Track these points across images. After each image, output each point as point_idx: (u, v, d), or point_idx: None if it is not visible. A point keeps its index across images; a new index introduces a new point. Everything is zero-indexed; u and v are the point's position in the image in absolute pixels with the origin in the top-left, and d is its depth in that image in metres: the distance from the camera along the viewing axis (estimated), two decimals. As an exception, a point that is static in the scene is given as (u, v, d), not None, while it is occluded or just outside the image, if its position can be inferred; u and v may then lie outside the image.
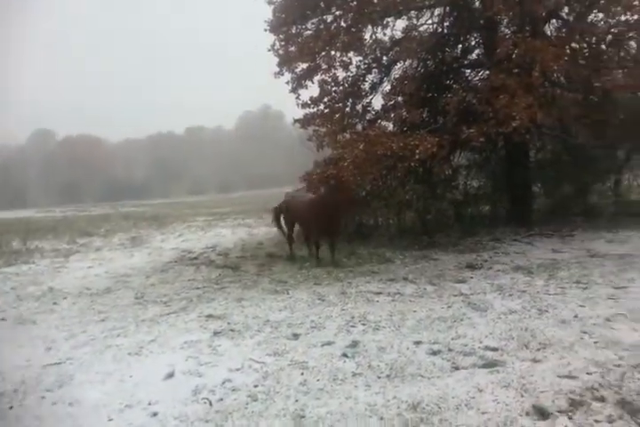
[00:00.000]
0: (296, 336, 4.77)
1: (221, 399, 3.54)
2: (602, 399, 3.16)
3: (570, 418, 2.98)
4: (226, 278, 7.63)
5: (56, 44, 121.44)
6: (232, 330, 5.05)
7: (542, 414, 3.04)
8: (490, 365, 3.82)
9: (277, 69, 11.94)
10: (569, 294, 5.62)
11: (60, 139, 73.74)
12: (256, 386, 3.71)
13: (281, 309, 5.77)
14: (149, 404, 3.56)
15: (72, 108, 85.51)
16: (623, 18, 9.81)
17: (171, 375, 4.01)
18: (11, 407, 3.61)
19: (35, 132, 74.04)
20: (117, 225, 16.65)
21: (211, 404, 3.49)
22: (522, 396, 3.29)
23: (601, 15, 10.12)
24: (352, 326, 4.97)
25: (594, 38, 10.25)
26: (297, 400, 3.45)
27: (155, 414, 3.40)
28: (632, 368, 3.57)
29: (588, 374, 3.54)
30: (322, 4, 11.20)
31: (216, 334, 4.96)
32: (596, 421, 2.93)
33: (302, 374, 3.88)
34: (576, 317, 4.81)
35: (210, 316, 5.60)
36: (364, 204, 9.94)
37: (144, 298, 6.68)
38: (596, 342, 4.12)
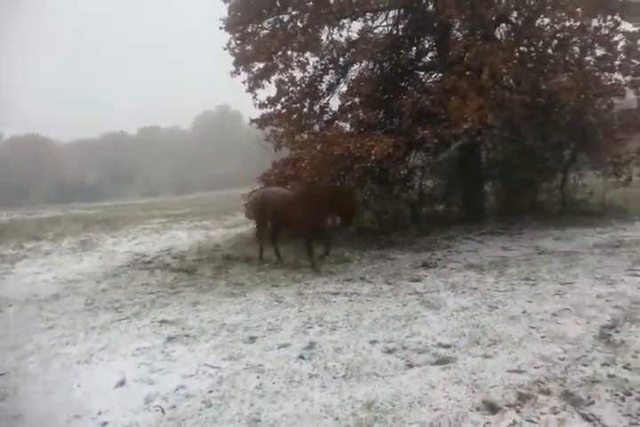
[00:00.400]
0: (252, 339, 4.73)
1: (174, 407, 3.47)
2: (547, 392, 3.28)
3: (518, 412, 3.08)
4: (181, 282, 7.48)
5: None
6: (187, 335, 4.95)
7: (492, 408, 3.13)
8: (442, 362, 3.90)
9: (234, 69, 11.83)
10: (518, 291, 5.81)
11: (7, 139, 70.46)
12: (210, 392, 3.66)
13: (237, 312, 5.71)
14: (99, 413, 3.45)
15: (19, 108, 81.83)
16: (567, 24, 10.28)
17: (122, 383, 3.90)
18: (-53, 424, 3.42)
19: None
20: (67, 228, 16.01)
21: (163, 411, 3.41)
22: (473, 391, 3.38)
23: (547, 20, 10.56)
24: (309, 328, 4.97)
25: (541, 42, 10.68)
26: (252, 404, 3.42)
27: (104, 424, 3.31)
28: (575, 361, 3.73)
29: (535, 368, 3.67)
30: (278, 4, 11.17)
31: (170, 339, 4.86)
32: (542, 413, 3.05)
33: (258, 377, 3.85)
34: (524, 312, 4.98)
35: (164, 321, 5.47)
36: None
37: (94, 304, 6.46)
38: (543, 337, 4.28)
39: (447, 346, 4.21)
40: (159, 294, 6.84)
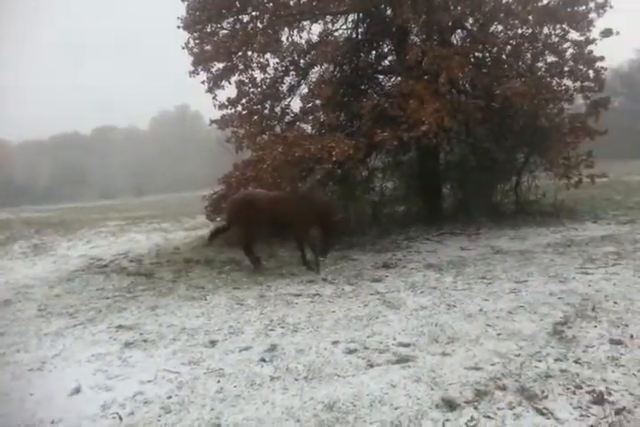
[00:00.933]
0: (213, 343, 4.66)
1: (132, 413, 3.38)
2: (503, 388, 3.38)
3: (475, 408, 3.16)
4: (139, 286, 7.29)
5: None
6: (145, 340, 4.83)
7: (450, 405, 3.20)
8: (402, 360, 3.96)
9: (192, 68, 11.66)
10: (475, 289, 5.97)
11: (-50, 139, 66.89)
12: (170, 397, 3.58)
13: (198, 315, 5.62)
14: (53, 423, 3.32)
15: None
16: (520, 31, 10.69)
17: (77, 391, 3.76)
18: None
19: None
20: (18, 232, 15.33)
21: (121, 418, 3.32)
22: (432, 389, 3.45)
23: (501, 27, 10.93)
24: (271, 330, 4.94)
25: (495, 48, 11.05)
26: (212, 409, 3.37)
27: (58, 435, 3.17)
28: (530, 357, 3.86)
29: (491, 364, 3.77)
30: (237, 4, 11.10)
31: (127, 345, 4.72)
32: (499, 409, 3.14)
33: (218, 381, 3.80)
34: (481, 310, 5.12)
35: (120, 326, 5.32)
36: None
37: (47, 310, 6.21)
38: (499, 334, 4.41)
39: (407, 345, 4.28)
40: (116, 298, 6.64)
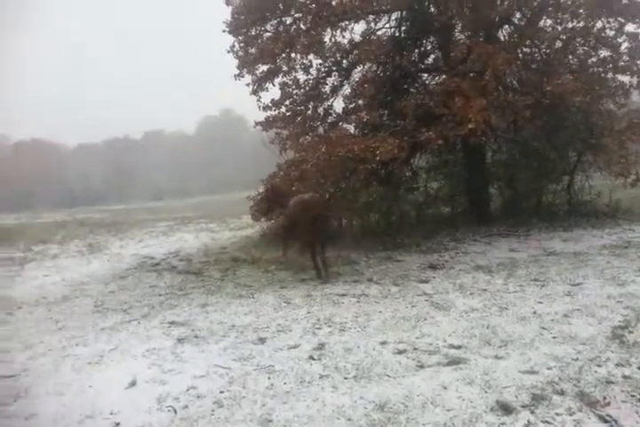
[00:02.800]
0: (262, 340, 4.72)
1: (186, 407, 3.47)
2: (562, 393, 3.26)
3: (532, 412, 3.06)
4: (189, 284, 7.48)
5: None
6: (196, 336, 4.95)
7: (506, 409, 3.11)
8: (454, 362, 3.89)
9: (237, 72, 11.88)
10: (527, 292, 5.80)
11: (13, 143, 70.80)
12: (222, 392, 3.65)
13: (246, 313, 5.71)
14: (111, 414, 3.44)
15: (26, 113, 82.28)
16: (570, 25, 10.29)
17: (133, 384, 3.90)
18: (-40, 425, 3.43)
19: (-15, 137, 70.86)
20: (74, 232, 16.04)
21: (175, 412, 3.41)
22: (485, 392, 3.37)
23: (550, 22, 10.57)
24: (318, 329, 4.97)
25: (544, 44, 10.69)
26: (264, 405, 3.42)
27: (117, 425, 3.29)
28: (589, 362, 3.71)
29: (548, 368, 3.65)
30: (281, 6, 11.22)
31: (180, 340, 4.86)
32: (557, 414, 3.03)
33: (269, 378, 3.85)
34: (535, 313, 4.96)
35: (173, 322, 5.48)
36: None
37: (103, 306, 6.47)
38: (554, 338, 4.26)
39: (458, 347, 4.20)
40: (167, 295, 6.84)
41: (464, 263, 7.73)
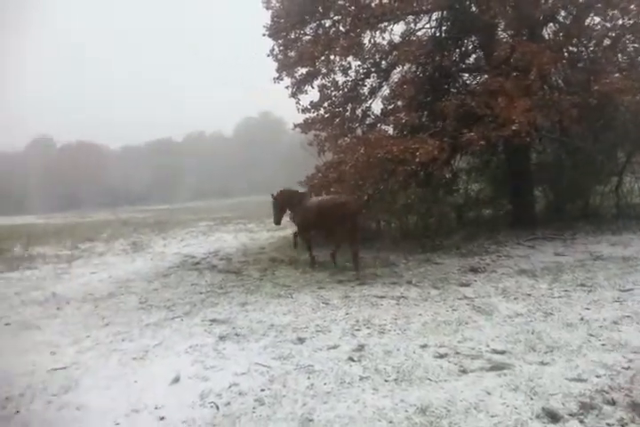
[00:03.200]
0: (301, 340, 4.76)
1: (228, 403, 3.53)
2: (612, 402, 3.14)
3: (581, 422, 2.96)
4: (229, 283, 7.61)
5: (45, 49, 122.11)
6: (237, 334, 5.04)
7: (553, 417, 3.02)
8: (497, 368, 3.80)
9: (277, 75, 12.01)
10: (574, 297, 5.61)
11: (60, 146, 73.88)
12: (263, 390, 3.70)
13: (285, 313, 5.76)
14: (156, 408, 3.54)
15: (70, 116, 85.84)
16: (620, 22, 9.88)
17: (177, 380, 3.99)
18: (17, 412, 3.60)
19: (34, 139, 74.11)
20: (118, 231, 16.61)
21: (218, 408, 3.47)
22: (531, 399, 3.28)
23: (598, 19, 10.18)
24: (357, 330, 4.96)
25: (591, 42, 10.32)
26: (304, 404, 3.44)
27: (162, 419, 3.38)
28: (641, 370, 3.55)
29: (597, 376, 3.53)
30: (320, 9, 11.27)
31: (221, 338, 4.95)
32: (608, 424, 2.92)
33: (309, 377, 3.87)
34: (582, 319, 4.80)
35: (214, 320, 5.59)
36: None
37: (147, 303, 6.66)
38: (603, 345, 4.11)
39: (502, 352, 4.11)
40: (208, 293, 6.98)
41: (506, 267, 7.54)
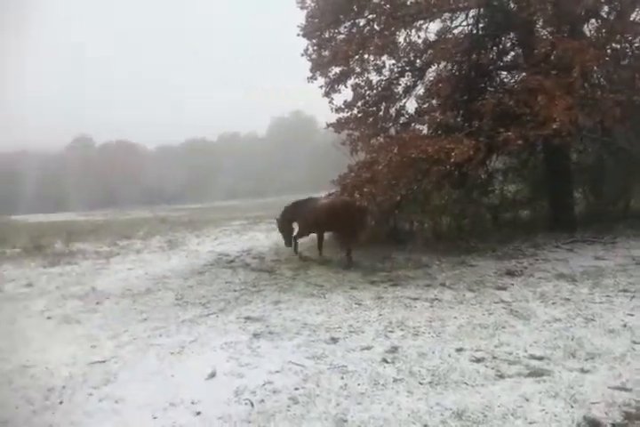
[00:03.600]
0: (334, 340, 4.76)
1: (263, 401, 3.57)
2: (658, 413, 3.03)
3: (625, 432, 2.87)
4: (262, 281, 7.68)
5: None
6: (271, 332, 5.08)
7: (595, 426, 2.93)
8: (536, 374, 3.72)
9: (310, 74, 12.03)
10: (616, 303, 5.44)
11: (100, 145, 76.21)
12: (297, 389, 3.72)
13: (318, 312, 5.78)
14: (192, 403, 3.61)
15: (107, 115, 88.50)
16: (668, 17, 9.50)
17: (213, 376, 4.06)
18: (61, 402, 3.73)
19: (74, 139, 76.76)
20: (155, 228, 16.98)
21: (252, 405, 3.51)
22: (571, 407, 3.20)
23: (643, 14, 9.82)
24: (390, 332, 4.93)
25: (637, 38, 9.94)
26: (338, 404, 3.44)
27: (198, 414, 3.45)
28: (690, 381, 3.41)
29: (642, 386, 3.40)
30: (355, 8, 11.24)
31: (255, 335, 5.01)
32: (654, 435, 2.82)
33: (342, 378, 3.87)
34: (625, 326, 4.65)
35: (248, 318, 5.66)
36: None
37: (183, 299, 6.78)
38: (648, 353, 3.97)
39: (540, 358, 4.02)
40: (242, 291, 7.06)
41: (544, 271, 7.36)
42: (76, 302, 6.95)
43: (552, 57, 9.35)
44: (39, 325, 5.90)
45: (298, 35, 12.01)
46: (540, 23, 10.67)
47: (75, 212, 40.22)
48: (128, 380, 4.13)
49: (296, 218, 9.62)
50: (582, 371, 3.72)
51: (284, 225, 9.75)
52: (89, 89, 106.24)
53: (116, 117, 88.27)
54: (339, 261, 8.79)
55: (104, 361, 4.58)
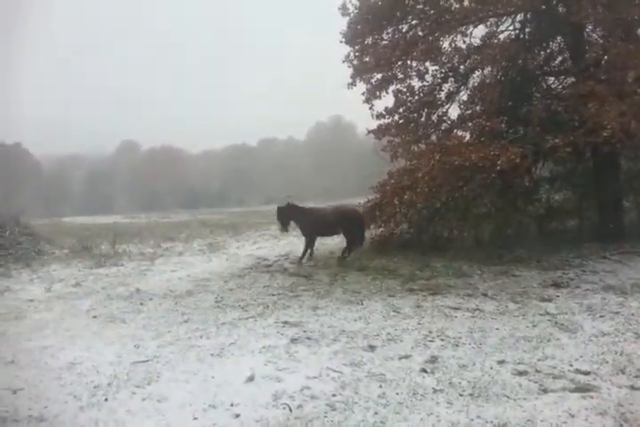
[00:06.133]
0: (372, 348, 4.73)
1: (300, 406, 3.58)
2: None
3: (678, 454, 2.72)
4: (299, 287, 7.72)
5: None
6: (308, 338, 5.10)
7: (646, 446, 2.80)
8: (582, 389, 3.59)
9: (350, 80, 12.05)
10: (668, 318, 5.17)
11: (145, 150, 78.77)
12: (334, 395, 3.72)
13: (355, 319, 5.75)
14: (232, 405, 3.66)
15: (155, 122, 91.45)
16: None
17: (251, 379, 4.11)
18: (106, 400, 3.85)
19: (122, 143, 79.74)
20: (196, 231, 17.40)
21: (290, 410, 3.53)
22: (621, 425, 3.06)
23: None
24: (430, 341, 4.86)
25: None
26: (376, 413, 3.41)
27: (237, 416, 3.49)
28: None
29: (697, 406, 3.23)
30: (398, 14, 11.20)
31: (293, 340, 5.03)
32: None
33: (380, 386, 3.84)
34: (680, 343, 4.41)
35: (286, 322, 5.69)
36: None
37: (223, 302, 6.90)
38: (703, 372, 3.75)
39: (586, 373, 3.87)
40: (280, 296, 7.12)
41: (592, 283, 7.08)
42: (121, 303, 7.17)
43: (603, 62, 9.05)
44: (86, 324, 6.10)
45: (340, 42, 12.10)
46: (590, 27, 10.36)
47: (120, 214, 41.60)
48: (170, 380, 4.22)
49: (295, 220, 10.35)
50: (632, 388, 3.56)
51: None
52: (131, 94, 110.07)
53: (161, 122, 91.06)
54: (376, 269, 8.72)
55: (147, 361, 4.69)
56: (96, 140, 77.43)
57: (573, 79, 10.25)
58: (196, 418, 3.50)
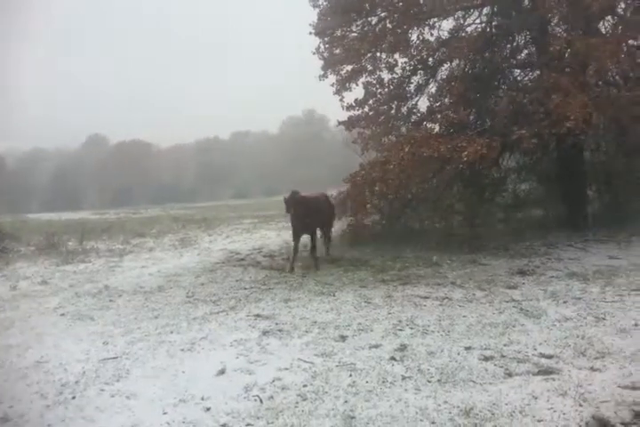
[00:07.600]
0: (343, 338, 4.78)
1: (272, 397, 3.60)
2: (669, 412, 3.00)
3: (635, 431, 2.85)
4: (272, 280, 7.72)
5: (90, 46, 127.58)
6: (280, 330, 5.12)
7: (604, 425, 2.93)
8: (545, 372, 3.71)
9: (322, 72, 12.04)
10: (628, 302, 5.38)
11: (113, 144, 76.95)
12: (305, 386, 3.75)
13: (327, 310, 5.80)
14: (202, 399, 3.65)
15: (123, 115, 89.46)
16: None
17: (222, 372, 4.10)
18: (73, 397, 3.79)
19: (89, 137, 77.71)
20: (167, 227, 17.16)
21: (261, 401, 3.54)
22: (580, 405, 3.18)
23: (662, 10, 9.66)
24: (400, 330, 4.93)
25: (655, 35, 9.80)
26: (346, 401, 3.46)
27: (208, 410, 3.48)
28: (703, 381, 3.37)
29: (653, 385, 3.37)
30: (367, 6, 11.21)
31: (265, 333, 5.05)
32: (664, 435, 2.79)
33: (350, 375, 3.89)
34: (636, 325, 4.61)
35: (258, 315, 5.69)
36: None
37: (194, 297, 6.84)
38: (660, 353, 3.92)
39: (550, 357, 4.00)
40: (252, 289, 7.11)
41: (556, 270, 7.30)
42: (90, 300, 7.04)
43: (566, 55, 9.26)
44: (53, 322, 5.99)
45: (310, 33, 12.05)
46: (555, 21, 10.58)
47: (88, 210, 40.69)
48: (139, 376, 4.18)
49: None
50: (592, 370, 3.70)
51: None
52: (103, 88, 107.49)
53: (130, 117, 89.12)
54: (348, 261, 8.79)
55: (116, 357, 4.63)
56: (62, 135, 75.43)
57: (538, 72, 10.46)
58: (165, 413, 3.48)
